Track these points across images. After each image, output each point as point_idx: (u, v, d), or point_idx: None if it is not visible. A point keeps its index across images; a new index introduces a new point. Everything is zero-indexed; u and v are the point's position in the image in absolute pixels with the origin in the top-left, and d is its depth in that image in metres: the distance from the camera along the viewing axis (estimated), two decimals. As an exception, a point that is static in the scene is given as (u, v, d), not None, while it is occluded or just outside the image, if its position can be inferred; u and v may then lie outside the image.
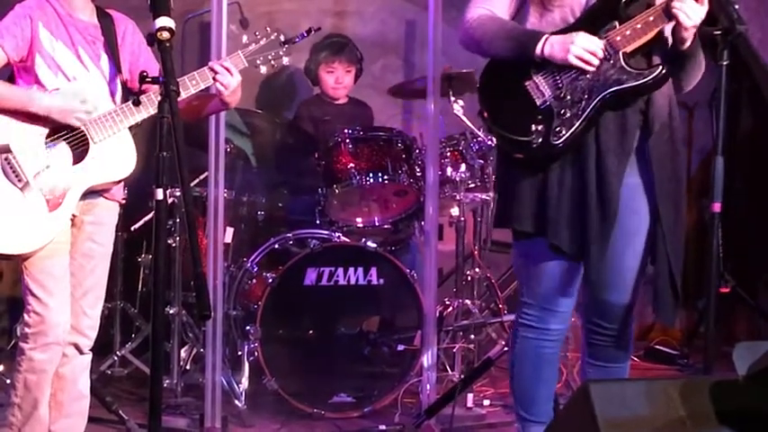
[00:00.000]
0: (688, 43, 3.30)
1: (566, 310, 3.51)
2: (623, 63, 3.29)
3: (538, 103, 3.36)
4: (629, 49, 3.31)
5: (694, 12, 3.22)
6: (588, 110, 3.31)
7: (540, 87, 3.37)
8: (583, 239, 3.35)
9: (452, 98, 5.34)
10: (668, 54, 3.37)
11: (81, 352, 3.72)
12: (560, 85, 3.35)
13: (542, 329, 3.50)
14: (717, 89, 3.25)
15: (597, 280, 3.39)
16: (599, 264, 3.36)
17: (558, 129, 3.32)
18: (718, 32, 3.21)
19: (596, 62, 3.28)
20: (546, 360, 3.55)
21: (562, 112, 3.33)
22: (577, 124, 3.31)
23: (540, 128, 3.34)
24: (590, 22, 3.35)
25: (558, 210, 3.36)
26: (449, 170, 5.22)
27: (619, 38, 3.30)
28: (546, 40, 3.33)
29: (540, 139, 3.33)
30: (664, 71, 3.29)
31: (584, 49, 3.28)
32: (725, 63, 3.23)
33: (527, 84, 3.39)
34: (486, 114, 3.50)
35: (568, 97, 3.33)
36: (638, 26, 3.29)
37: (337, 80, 5.83)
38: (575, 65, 3.30)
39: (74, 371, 3.73)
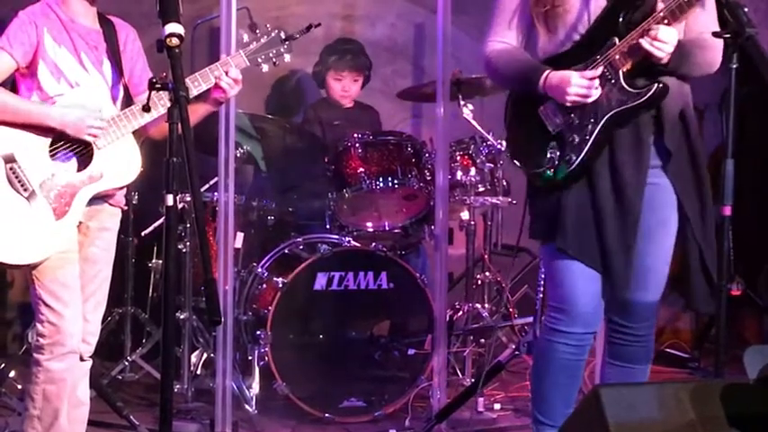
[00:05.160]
0: (665, 61, 3.33)
1: (586, 312, 3.48)
2: (623, 83, 3.35)
3: (550, 130, 3.46)
4: (627, 66, 3.36)
5: (665, 46, 3.28)
6: (595, 133, 3.39)
7: (552, 113, 3.47)
8: (603, 254, 3.40)
9: (462, 102, 5.34)
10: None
11: (82, 359, 3.72)
12: (570, 110, 3.42)
13: (564, 333, 3.50)
14: (726, 92, 3.25)
15: (619, 280, 3.43)
16: (623, 269, 3.40)
17: (567, 157, 3.41)
18: (728, 35, 3.21)
19: (595, 94, 3.35)
20: (565, 365, 3.53)
21: (571, 138, 3.42)
22: (586, 149, 3.39)
23: (553, 155, 3.43)
24: (592, 40, 3.41)
25: (573, 219, 3.42)
26: (459, 174, 5.23)
27: (617, 56, 3.36)
28: (545, 80, 3.42)
29: (553, 170, 3.43)
30: (660, 86, 3.33)
31: (578, 93, 3.36)
32: (734, 66, 3.23)
33: (540, 110, 3.48)
34: (507, 143, 3.72)
35: (577, 122, 3.41)
36: (634, 42, 3.31)
37: (344, 88, 5.85)
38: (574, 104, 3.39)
39: (73, 378, 3.72)
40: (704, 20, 3.41)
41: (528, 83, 3.47)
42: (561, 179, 3.42)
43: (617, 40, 3.34)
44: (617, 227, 3.39)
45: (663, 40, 3.26)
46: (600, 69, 3.36)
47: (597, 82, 3.36)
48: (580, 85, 3.35)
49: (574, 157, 3.39)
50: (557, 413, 3.55)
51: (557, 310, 3.51)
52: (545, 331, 3.57)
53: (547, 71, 3.43)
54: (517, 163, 3.59)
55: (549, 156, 3.44)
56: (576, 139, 3.40)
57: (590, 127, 3.38)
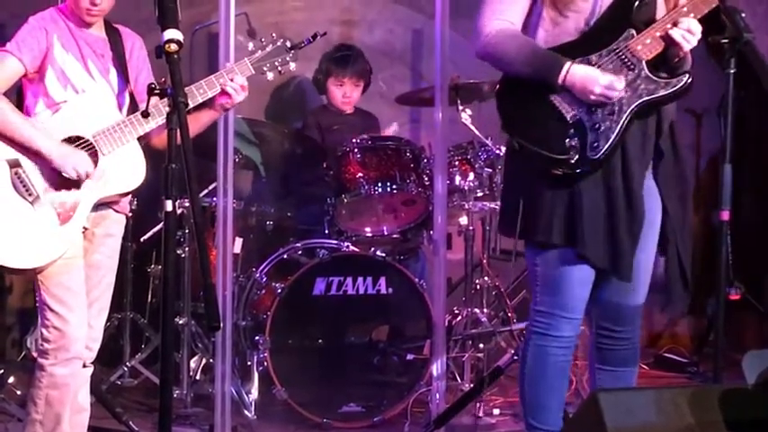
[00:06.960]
0: (678, 59, 3.35)
1: (579, 317, 3.53)
2: (648, 73, 3.33)
3: (567, 117, 3.37)
4: (651, 57, 3.34)
5: (694, 38, 3.29)
6: (622, 121, 3.33)
7: (569, 102, 3.37)
8: (613, 250, 3.38)
9: (460, 107, 5.33)
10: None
11: (84, 365, 3.73)
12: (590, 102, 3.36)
13: (556, 337, 3.51)
14: (724, 97, 3.26)
15: (620, 285, 3.44)
16: (630, 268, 3.39)
17: (595, 144, 3.33)
18: (726, 40, 3.22)
19: (617, 96, 3.31)
20: (558, 368, 3.55)
21: (596, 126, 3.34)
22: (614, 137, 3.33)
23: (573, 143, 3.34)
24: (604, 30, 3.37)
25: (590, 222, 3.37)
26: (457, 179, 5.21)
27: (640, 47, 3.33)
28: (567, 73, 3.33)
29: (577, 156, 3.34)
30: (691, 79, 3.32)
31: (604, 95, 3.30)
32: (732, 71, 3.24)
33: (553, 98, 3.38)
34: (511, 129, 3.48)
35: (599, 110, 3.35)
36: (658, 34, 3.30)
37: (345, 94, 5.83)
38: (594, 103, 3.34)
39: (76, 384, 3.72)
40: None
41: (546, 73, 3.36)
42: (588, 165, 3.34)
43: (634, 31, 3.33)
44: (627, 224, 3.37)
45: (694, 33, 3.27)
46: (624, 75, 3.33)
47: (623, 84, 3.32)
48: (608, 87, 3.30)
49: (602, 144, 3.32)
50: (552, 417, 3.55)
51: (550, 316, 3.50)
52: (536, 337, 3.55)
53: (568, 64, 3.33)
54: (535, 148, 3.40)
55: (569, 143, 3.34)
56: (602, 127, 3.33)
57: (615, 116, 3.33)
